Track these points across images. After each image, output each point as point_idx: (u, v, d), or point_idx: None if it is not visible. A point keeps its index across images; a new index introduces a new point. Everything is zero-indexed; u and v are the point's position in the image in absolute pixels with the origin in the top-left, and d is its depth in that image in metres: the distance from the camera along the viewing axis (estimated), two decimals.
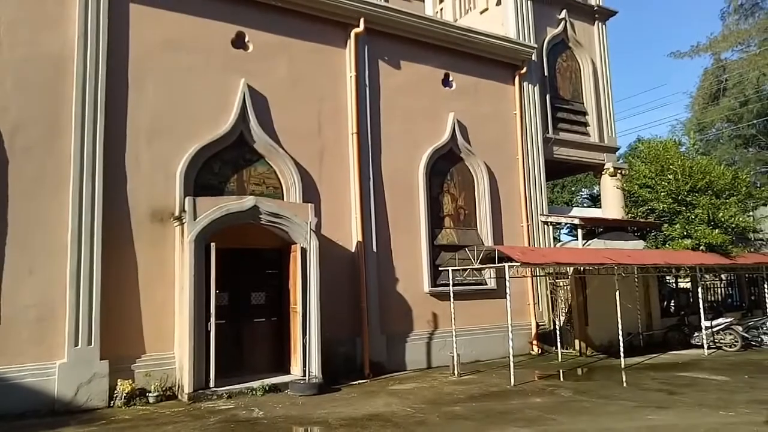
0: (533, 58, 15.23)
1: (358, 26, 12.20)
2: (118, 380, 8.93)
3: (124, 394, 8.83)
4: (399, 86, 12.95)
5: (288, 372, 10.55)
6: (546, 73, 15.78)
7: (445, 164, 13.55)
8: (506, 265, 10.54)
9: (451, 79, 13.86)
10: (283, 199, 11.12)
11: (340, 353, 11.10)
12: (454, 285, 11.94)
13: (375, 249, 11.99)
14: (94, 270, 9.08)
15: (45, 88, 9.17)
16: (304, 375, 9.95)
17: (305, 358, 10.06)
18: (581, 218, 15.03)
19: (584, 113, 16.62)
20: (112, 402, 8.86)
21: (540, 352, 13.90)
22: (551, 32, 16.19)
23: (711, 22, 65.84)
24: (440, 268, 12.62)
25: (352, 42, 12.23)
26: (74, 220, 9.05)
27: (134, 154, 9.80)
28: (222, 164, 10.72)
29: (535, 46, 15.30)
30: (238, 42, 11.09)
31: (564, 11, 16.48)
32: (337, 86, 12.13)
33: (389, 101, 12.75)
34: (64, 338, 8.77)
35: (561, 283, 14.52)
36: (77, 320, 8.84)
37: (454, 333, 11.70)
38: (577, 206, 28.73)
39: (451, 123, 13.50)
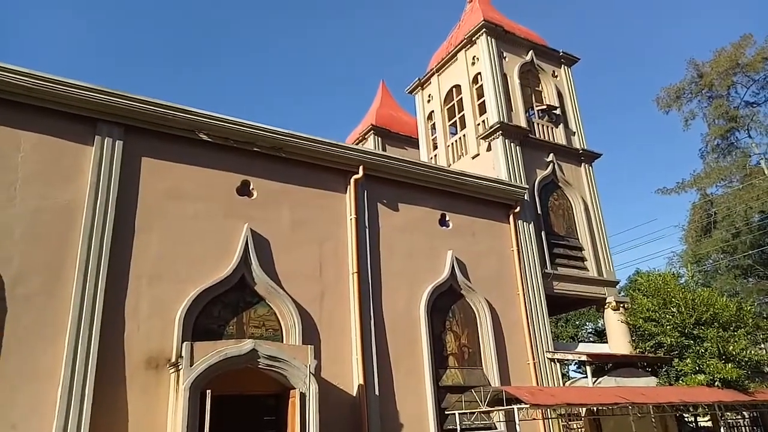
0: (526, 198, 15.87)
1: (357, 173, 12.90)
2: None
3: None
4: (398, 227, 13.36)
5: None
6: (539, 212, 16.35)
7: (446, 301, 13.52)
8: (515, 407, 10.09)
9: (447, 218, 14.34)
10: (282, 341, 10.94)
11: None
12: (462, 430, 11.29)
13: (377, 392, 11.52)
14: (82, 426, 8.68)
15: (52, 237, 9.47)
16: None
17: None
18: (589, 354, 14.63)
19: (580, 248, 16.93)
20: None
21: None
22: (541, 173, 17.04)
23: (692, 158, 69.56)
24: (446, 412, 12.01)
25: (351, 187, 12.85)
26: (67, 370, 8.85)
27: (134, 299, 9.83)
28: (222, 307, 10.71)
29: (527, 186, 16.02)
30: (243, 189, 11.66)
31: (551, 154, 17.50)
32: (337, 228, 12.51)
33: (388, 241, 13.07)
34: None
35: (575, 425, 13.74)
36: None
37: None
38: (583, 341, 28.07)
39: (450, 261, 13.70)
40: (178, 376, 9.32)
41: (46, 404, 8.57)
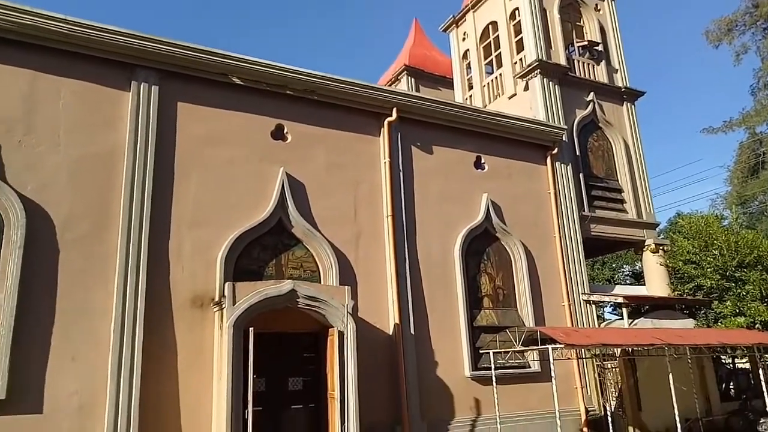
0: (564, 139, 15.47)
1: (390, 115, 12.74)
2: None
3: None
4: (432, 170, 13.27)
5: None
6: (578, 153, 15.95)
7: (481, 244, 13.54)
8: (549, 347, 10.19)
9: (483, 161, 14.14)
10: (320, 282, 11.21)
11: None
12: (496, 368, 11.54)
13: (413, 331, 11.80)
14: (135, 358, 9.19)
15: (96, 183, 9.75)
16: None
17: None
18: (625, 297, 14.56)
19: (620, 190, 16.55)
20: None
21: None
22: (580, 113, 16.51)
23: (741, 96, 66.15)
24: (481, 351, 12.26)
25: (385, 130, 12.73)
26: (118, 309, 9.29)
27: (177, 242, 10.15)
28: (261, 249, 10.99)
29: (565, 127, 15.59)
30: (278, 133, 11.69)
31: (592, 94, 16.88)
32: (372, 172, 12.51)
33: (423, 184, 13.03)
34: (104, 427, 8.74)
35: (609, 365, 13.86)
36: (117, 409, 8.85)
37: (498, 420, 11.16)
38: (620, 283, 27.87)
39: (485, 204, 13.62)
40: (222, 314, 9.71)
41: (100, 339, 9.09)
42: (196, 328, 9.88)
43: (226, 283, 9.79)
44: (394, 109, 12.76)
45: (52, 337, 8.82)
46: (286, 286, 10.10)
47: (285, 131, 11.78)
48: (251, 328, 9.62)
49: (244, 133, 11.25)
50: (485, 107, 17.49)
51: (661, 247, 16.46)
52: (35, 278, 8.88)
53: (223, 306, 9.69)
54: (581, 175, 15.74)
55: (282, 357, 10.70)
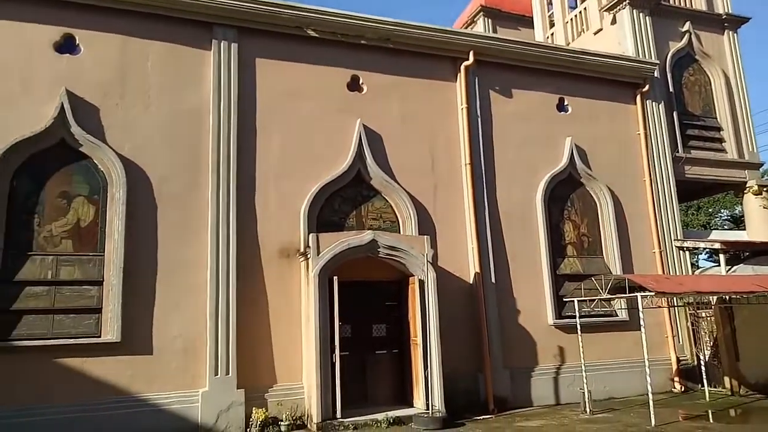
0: (656, 75, 14.40)
1: (467, 59, 12.34)
2: (253, 408, 9.46)
3: (259, 422, 9.31)
4: (512, 114, 12.82)
5: (411, 405, 10.52)
6: (671, 89, 14.82)
7: (565, 190, 13.08)
8: (638, 295, 9.81)
9: (566, 103, 13.48)
10: (399, 232, 11.34)
11: (461, 387, 10.88)
12: (580, 317, 11.32)
13: (494, 280, 11.75)
14: (230, 305, 9.79)
15: (186, 141, 10.22)
16: (427, 408, 9.86)
17: (427, 392, 10.00)
18: (723, 242, 13.66)
19: (718, 129, 15.30)
20: (248, 429, 9.38)
21: (683, 389, 12.64)
22: (674, 46, 15.23)
23: None
24: (565, 299, 12.04)
25: (462, 75, 12.38)
26: (212, 260, 9.86)
27: (263, 196, 10.54)
28: (341, 201, 11.21)
29: (657, 62, 14.47)
30: (353, 85, 11.67)
31: (687, 23, 15.47)
32: (448, 119, 12.27)
33: (502, 130, 12.65)
34: (206, 368, 9.49)
35: (703, 314, 13.21)
36: (216, 351, 9.54)
37: (583, 368, 11.02)
38: (717, 229, 26.17)
39: (569, 148, 13.06)
40: (308, 264, 10.10)
41: (199, 287, 9.74)
42: (284, 276, 10.34)
43: (310, 234, 10.13)
44: (471, 53, 12.33)
45: (156, 285, 9.55)
46: (366, 236, 10.31)
47: (360, 82, 11.73)
48: (335, 277, 9.97)
49: (320, 86, 11.32)
50: (568, 45, 16.52)
51: (765, 189, 15.18)
52: (138, 232, 9.58)
53: (308, 256, 10.06)
54: (675, 114, 14.66)
55: (365, 305, 11.04)
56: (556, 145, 13.09)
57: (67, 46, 9.81)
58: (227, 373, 9.52)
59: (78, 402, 8.76)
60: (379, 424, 9.56)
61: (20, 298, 8.91)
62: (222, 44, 10.65)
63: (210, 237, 9.94)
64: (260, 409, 9.46)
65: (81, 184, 9.58)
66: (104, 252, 9.42)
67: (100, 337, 9.12)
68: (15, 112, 9.27)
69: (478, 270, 11.57)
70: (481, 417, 10.43)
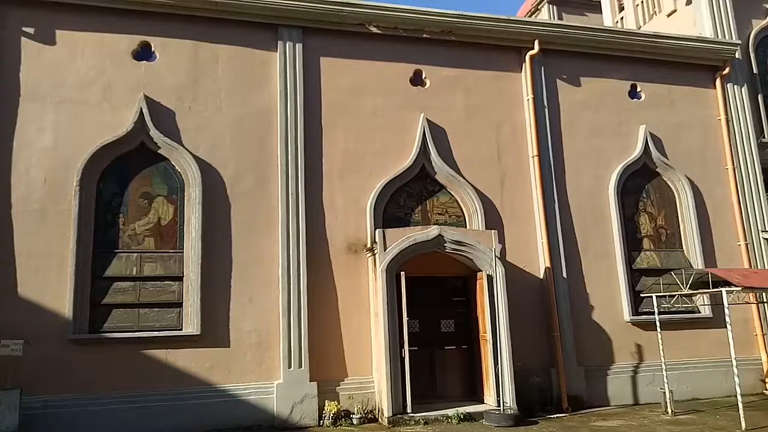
0: (737, 56, 13.53)
1: (532, 48, 12.04)
2: (326, 401, 9.65)
3: (331, 415, 9.49)
4: (580, 103, 12.41)
5: (481, 401, 10.40)
6: (755, 71, 13.87)
7: (639, 181, 12.53)
8: (723, 290, 9.26)
9: (639, 89, 12.90)
10: (465, 227, 11.22)
11: (533, 384, 10.64)
12: (659, 313, 10.82)
13: (565, 275, 11.41)
14: (301, 300, 10.02)
15: (256, 141, 10.53)
16: (498, 405, 9.72)
17: (498, 388, 9.86)
18: None
19: None
20: (321, 421, 9.58)
21: None
22: (758, 24, 14.24)
23: None
24: (642, 295, 11.53)
25: (527, 65, 12.09)
26: (284, 255, 10.12)
27: (330, 193, 10.71)
28: (407, 197, 11.22)
29: (738, 42, 13.59)
30: (416, 79, 11.64)
31: None
32: (514, 111, 12.02)
33: (571, 120, 12.27)
34: (280, 361, 9.75)
35: None
36: (289, 345, 9.79)
37: (664, 366, 10.52)
38: None
39: (643, 136, 12.50)
40: (375, 259, 10.18)
41: (271, 282, 10.02)
42: (352, 271, 10.47)
43: (377, 230, 10.20)
44: (536, 42, 12.03)
45: (232, 281, 9.90)
46: (433, 231, 10.27)
47: (423, 76, 11.69)
48: (402, 272, 10.00)
49: (383, 82, 11.37)
50: (640, 29, 15.78)
51: None
52: (213, 230, 9.97)
53: (375, 251, 10.14)
54: (760, 97, 13.73)
55: (433, 300, 11.01)
56: (629, 133, 12.55)
57: (144, 53, 10.33)
58: (300, 366, 9.75)
59: (163, 390, 9.24)
60: (449, 420, 9.52)
61: (109, 293, 9.50)
62: (287, 45, 10.89)
63: (280, 233, 10.21)
64: (332, 402, 9.63)
65: (160, 185, 10.08)
66: (183, 249, 9.88)
67: (181, 330, 9.57)
68: (98, 118, 9.85)
69: (548, 264, 11.28)
70: (555, 416, 10.17)
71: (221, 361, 9.61)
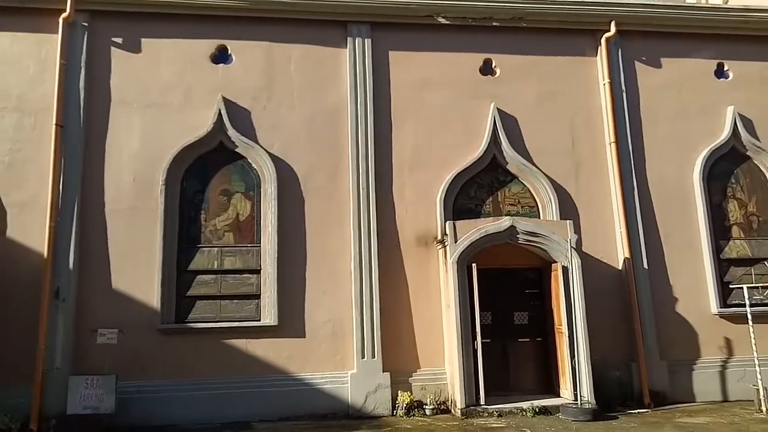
0: None
1: (608, 30, 11.56)
2: (399, 391, 9.79)
3: (404, 405, 9.62)
4: (661, 86, 11.79)
5: (557, 394, 10.19)
6: None
7: (728, 166, 11.76)
8: None
9: (726, 68, 12.09)
10: (539, 217, 10.99)
11: (612, 379, 10.29)
12: (751, 305, 10.15)
13: (645, 265, 10.93)
14: (373, 292, 10.18)
15: (327, 137, 10.75)
16: (575, 399, 9.49)
17: (575, 382, 9.62)
18: None
19: None
20: (394, 411, 9.72)
21: None
22: None
23: None
24: (731, 286, 10.86)
25: (603, 48, 11.61)
26: (355, 249, 10.32)
27: (399, 185, 10.79)
28: (477, 188, 11.12)
29: None
30: (486, 69, 11.47)
31: None
32: (589, 96, 11.60)
33: (651, 104, 11.68)
34: (353, 351, 9.98)
35: None
36: (362, 336, 10.00)
37: (756, 362, 9.88)
38: None
39: (731, 118, 11.71)
40: (445, 251, 10.18)
41: (343, 275, 10.25)
42: (423, 263, 10.52)
43: (447, 222, 10.18)
44: (612, 23, 11.53)
45: (306, 273, 10.21)
46: (504, 222, 10.13)
47: (493, 65, 11.50)
48: (474, 264, 9.94)
49: (452, 73, 11.29)
50: (726, 3, 14.74)
51: None
52: (288, 224, 10.30)
53: (446, 244, 10.13)
54: None
55: (506, 292, 10.87)
56: (716, 115, 11.80)
57: (221, 57, 10.79)
58: (373, 356, 9.93)
59: (244, 378, 9.69)
60: (524, 413, 9.40)
61: (193, 285, 10.06)
62: (356, 41, 11.03)
63: (352, 227, 10.40)
64: (405, 392, 9.76)
65: (238, 182, 10.53)
66: (260, 243, 10.29)
67: (259, 320, 9.99)
68: (181, 120, 10.40)
69: (627, 255, 10.85)
70: (636, 411, 9.80)
71: (298, 351, 9.95)
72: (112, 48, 10.49)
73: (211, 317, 9.99)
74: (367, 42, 11.06)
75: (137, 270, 9.80)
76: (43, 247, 9.53)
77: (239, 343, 9.86)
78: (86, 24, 10.37)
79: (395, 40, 11.22)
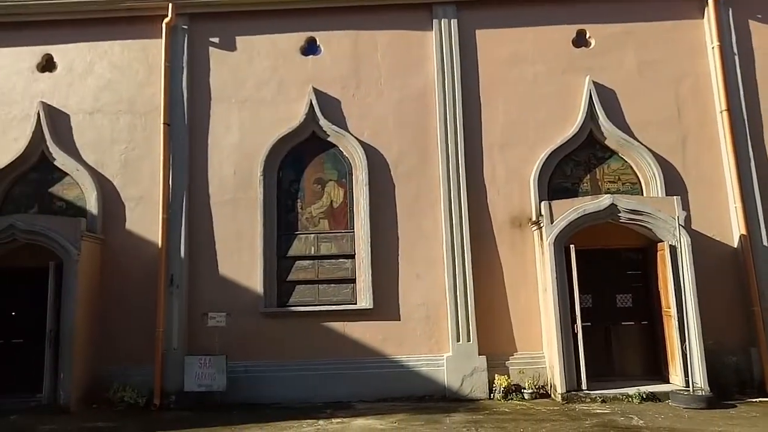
0: None
1: None
2: (495, 375, 9.70)
3: (502, 389, 9.52)
4: None
5: (665, 380, 9.66)
6: None
7: None
8: None
9: None
10: (642, 194, 10.38)
11: (728, 364, 9.57)
12: None
13: (766, 242, 10.03)
14: (466, 275, 10.12)
15: (415, 121, 10.75)
16: (687, 385, 8.93)
17: (686, 368, 9.06)
18: None
19: None
20: (491, 395, 9.65)
21: None
22: None
23: None
24: None
25: (710, 8, 10.68)
26: (447, 232, 10.28)
27: (490, 167, 10.59)
28: (574, 165, 10.69)
29: None
30: (579, 40, 10.94)
31: None
32: (695, 62, 10.74)
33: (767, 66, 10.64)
34: (448, 334, 9.99)
35: None
36: (457, 319, 9.98)
37: None
38: None
39: None
40: (541, 232, 9.89)
41: (436, 258, 10.26)
42: (517, 245, 10.30)
43: (542, 202, 9.88)
44: None
45: (399, 258, 10.33)
46: (605, 200, 9.67)
47: (587, 36, 10.94)
48: (572, 245, 9.59)
49: (543, 47, 10.87)
50: None
51: None
52: (380, 210, 10.45)
53: (541, 225, 9.84)
54: None
55: (606, 273, 10.42)
56: None
57: (310, 48, 11.07)
58: (468, 340, 9.89)
59: (342, 360, 10.01)
60: (630, 399, 8.99)
61: (293, 270, 10.50)
62: (442, 22, 10.89)
63: (443, 210, 10.37)
64: (502, 376, 9.65)
65: (331, 170, 10.81)
66: (354, 229, 10.53)
67: (355, 304, 10.25)
68: (275, 113, 10.80)
69: (744, 232, 10.00)
70: (757, 399, 9.07)
71: (393, 334, 10.11)
72: (210, 48, 11.07)
73: (310, 301, 10.38)
74: (453, 22, 10.89)
75: (241, 257, 10.36)
76: (157, 237, 10.32)
77: (337, 325, 10.18)
78: (186, 27, 11.01)
79: (482, 18, 10.96)
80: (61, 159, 10.70)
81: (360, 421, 8.35)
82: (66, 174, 10.78)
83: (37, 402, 9.51)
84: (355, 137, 10.63)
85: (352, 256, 10.47)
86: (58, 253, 9.77)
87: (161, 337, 9.98)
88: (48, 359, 9.56)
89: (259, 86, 10.91)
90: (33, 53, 11.11)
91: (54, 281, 9.74)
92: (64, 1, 10.87)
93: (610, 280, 10.44)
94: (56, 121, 10.88)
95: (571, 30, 10.93)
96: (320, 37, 11.04)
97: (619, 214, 9.66)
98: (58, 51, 11.12)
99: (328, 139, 10.77)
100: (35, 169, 10.90)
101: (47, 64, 11.14)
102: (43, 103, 10.86)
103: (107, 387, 9.73)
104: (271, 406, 9.51)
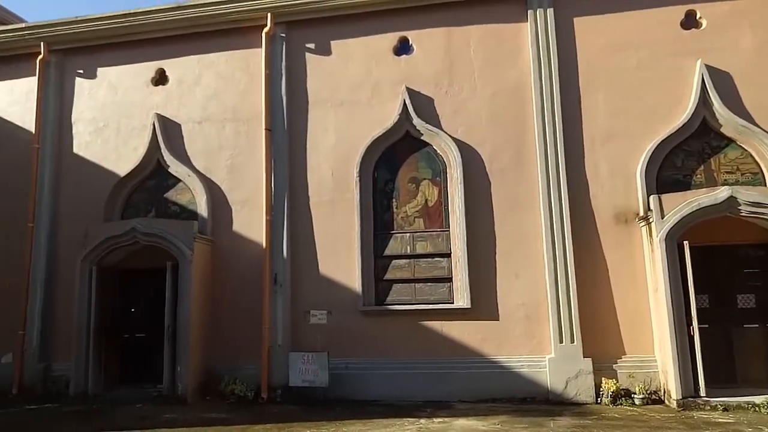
0: None
1: None
2: (603, 379, 9.26)
3: (610, 393, 9.07)
4: None
5: None
6: None
7: None
8: None
9: None
10: (765, 185, 9.50)
11: None
12: None
13: None
14: (568, 274, 9.74)
15: (510, 116, 10.49)
16: None
17: None
18: None
19: None
20: (598, 399, 9.24)
21: None
22: None
23: None
24: None
25: None
26: (547, 229, 9.94)
27: (592, 161, 10.12)
28: (685, 156, 9.98)
29: None
30: (688, 21, 10.20)
31: None
32: None
33: None
34: (550, 335, 9.68)
35: None
36: (559, 319, 9.63)
37: None
38: None
39: None
40: (650, 228, 9.33)
41: (536, 258, 9.95)
42: (624, 243, 9.78)
43: (651, 197, 9.32)
44: None
45: (497, 256, 10.13)
46: (722, 193, 8.96)
47: (698, 17, 10.17)
48: (686, 242, 8.97)
49: (648, 32, 10.22)
50: None
51: None
52: (475, 207, 10.30)
53: (650, 220, 9.28)
54: None
55: (725, 272, 9.66)
56: None
57: (402, 48, 11.11)
58: (572, 341, 9.52)
59: (440, 359, 9.97)
60: (757, 408, 8.27)
61: (389, 269, 10.62)
62: (537, 12, 10.54)
63: (542, 207, 10.04)
64: (610, 380, 9.20)
65: (425, 169, 10.81)
66: (449, 227, 10.46)
67: (452, 303, 10.18)
68: (369, 114, 10.96)
69: None
70: None
71: (492, 334, 9.94)
72: (306, 53, 11.42)
73: (407, 300, 10.44)
74: (549, 12, 10.51)
75: (339, 256, 10.61)
76: (261, 238, 10.81)
77: (434, 324, 10.16)
78: (284, 35, 11.43)
79: (580, 6, 10.50)
80: (174, 166, 11.49)
81: (462, 422, 8.27)
82: (179, 180, 11.57)
83: (158, 392, 10.30)
84: (449, 135, 10.54)
85: (448, 255, 10.41)
86: (174, 254, 10.51)
87: (267, 333, 10.45)
88: (167, 353, 10.31)
89: (354, 88, 11.12)
90: (148, 68, 12.02)
91: (171, 280, 10.48)
92: (175, 18, 11.64)
93: (730, 278, 9.67)
94: (169, 130, 11.70)
95: (678, 11, 10.21)
96: (412, 36, 11.06)
97: (740, 207, 8.91)
98: (169, 65, 11.96)
99: (422, 138, 10.77)
100: (152, 177, 11.79)
101: (160, 78, 12.00)
102: (157, 114, 11.71)
103: (219, 380, 10.34)
104: (372, 403, 9.66)
